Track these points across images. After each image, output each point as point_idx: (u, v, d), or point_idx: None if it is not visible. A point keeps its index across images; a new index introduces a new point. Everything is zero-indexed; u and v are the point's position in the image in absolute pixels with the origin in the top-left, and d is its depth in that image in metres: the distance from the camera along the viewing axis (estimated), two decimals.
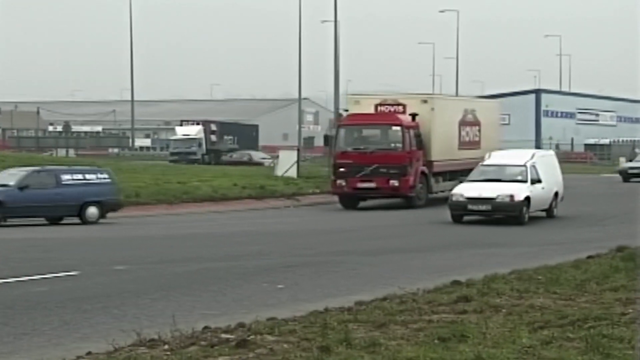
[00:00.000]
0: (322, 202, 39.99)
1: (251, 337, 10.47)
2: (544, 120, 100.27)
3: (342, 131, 37.04)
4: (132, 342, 10.48)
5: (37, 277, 16.88)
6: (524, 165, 30.17)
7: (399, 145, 35.89)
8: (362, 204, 37.45)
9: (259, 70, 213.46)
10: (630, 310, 11.72)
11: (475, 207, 28.91)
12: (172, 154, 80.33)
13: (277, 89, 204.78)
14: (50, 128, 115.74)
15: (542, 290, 13.70)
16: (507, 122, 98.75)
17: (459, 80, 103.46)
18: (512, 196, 28.69)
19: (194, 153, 79.54)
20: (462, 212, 29.24)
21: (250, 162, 72.24)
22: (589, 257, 17.91)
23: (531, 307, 12.22)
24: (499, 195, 28.70)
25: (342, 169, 36.13)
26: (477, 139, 41.19)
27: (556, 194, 31.68)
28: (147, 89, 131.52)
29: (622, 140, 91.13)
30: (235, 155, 77.52)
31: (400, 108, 37.09)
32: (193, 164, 70.14)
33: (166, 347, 10.19)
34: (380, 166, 35.71)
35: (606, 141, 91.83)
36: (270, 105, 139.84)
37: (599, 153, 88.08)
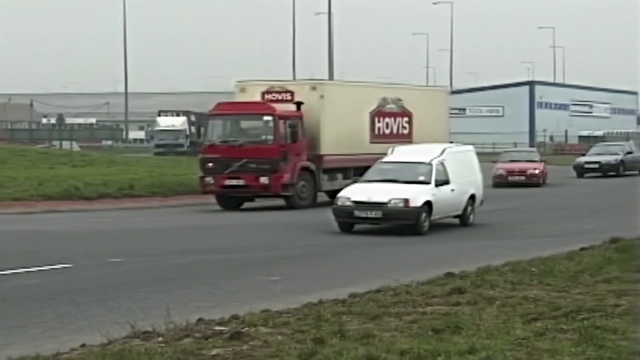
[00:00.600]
0: None
1: (245, 329, 10.49)
2: (538, 112, 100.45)
3: (210, 122, 33.02)
4: (127, 334, 10.50)
5: (30, 269, 16.85)
6: (429, 164, 25.11)
7: (270, 137, 31.72)
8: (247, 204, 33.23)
9: (253, 62, 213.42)
10: (624, 302, 11.77)
11: (363, 214, 23.89)
12: (158, 145, 77.04)
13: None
14: (44, 120, 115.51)
15: (536, 282, 13.73)
16: (500, 113, 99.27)
17: (453, 71, 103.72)
18: (407, 201, 23.64)
19: (181, 145, 76.20)
20: (348, 219, 24.28)
21: None
22: (583, 248, 17.93)
23: (525, 298, 12.25)
24: (391, 200, 23.67)
25: (209, 165, 32.03)
26: (405, 131, 36.29)
27: (472, 197, 26.49)
28: (141, 81, 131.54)
29: (616, 132, 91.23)
30: None
31: (288, 95, 33.04)
32: (180, 155, 67.82)
33: (160, 339, 10.20)
34: (249, 161, 31.46)
35: (600, 133, 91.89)
36: None
37: (593, 145, 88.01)
